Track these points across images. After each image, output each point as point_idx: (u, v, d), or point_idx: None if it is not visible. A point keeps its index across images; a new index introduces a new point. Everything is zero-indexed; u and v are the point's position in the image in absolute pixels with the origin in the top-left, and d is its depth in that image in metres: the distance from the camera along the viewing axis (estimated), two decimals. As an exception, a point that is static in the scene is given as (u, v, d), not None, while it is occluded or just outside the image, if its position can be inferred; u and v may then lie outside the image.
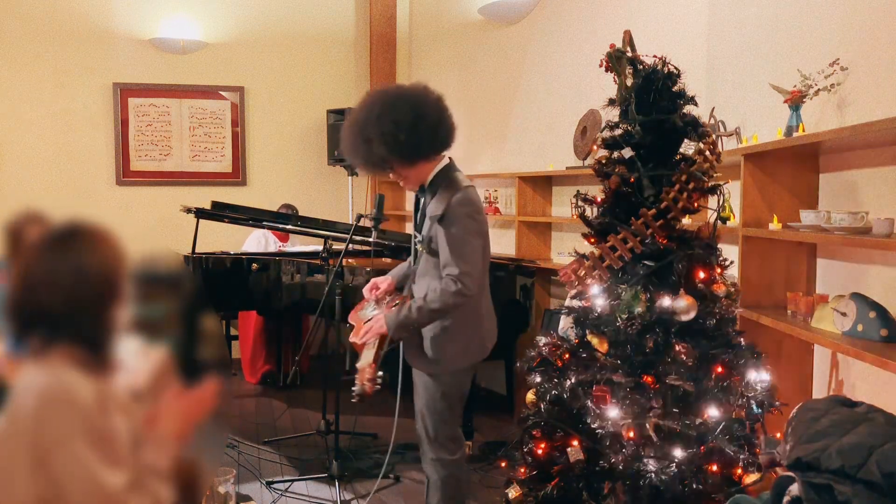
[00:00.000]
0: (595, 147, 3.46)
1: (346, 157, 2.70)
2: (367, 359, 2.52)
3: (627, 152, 2.23)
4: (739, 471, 2.04)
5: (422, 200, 2.70)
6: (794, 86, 2.61)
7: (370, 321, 2.63)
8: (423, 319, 2.54)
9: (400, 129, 2.48)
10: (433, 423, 2.66)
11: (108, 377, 1.38)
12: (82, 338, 1.36)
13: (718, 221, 2.30)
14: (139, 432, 1.42)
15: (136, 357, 1.46)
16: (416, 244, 2.69)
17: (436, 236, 2.54)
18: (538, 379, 2.29)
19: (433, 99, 2.58)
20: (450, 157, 2.67)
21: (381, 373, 2.48)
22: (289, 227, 4.66)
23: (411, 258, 2.78)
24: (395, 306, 2.66)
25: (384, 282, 2.87)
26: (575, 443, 2.14)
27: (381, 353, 2.56)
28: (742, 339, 2.20)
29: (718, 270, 2.23)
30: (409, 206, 6.46)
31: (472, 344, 2.67)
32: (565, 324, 2.40)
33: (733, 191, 2.92)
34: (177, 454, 1.45)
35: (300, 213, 5.14)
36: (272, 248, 5.46)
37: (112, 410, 1.35)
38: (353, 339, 2.69)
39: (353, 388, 2.50)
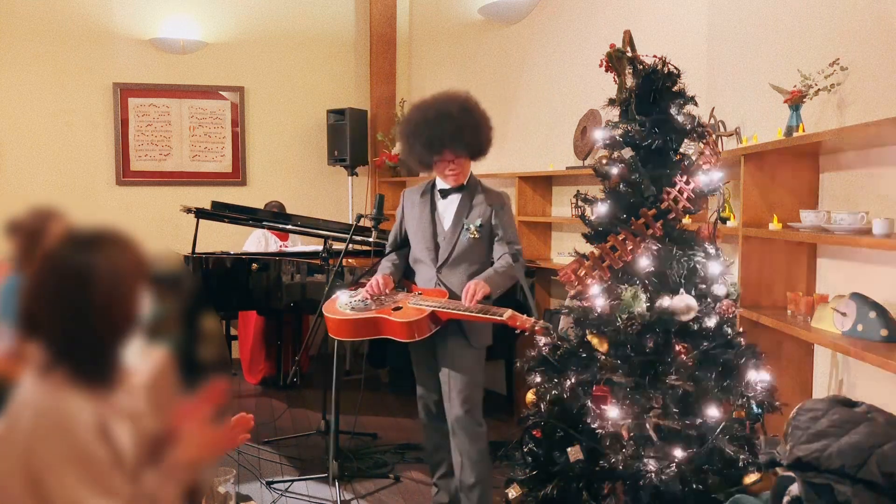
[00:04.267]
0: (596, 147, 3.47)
1: (452, 133, 2.84)
2: (507, 312, 2.65)
3: (627, 152, 2.23)
4: (739, 471, 2.04)
5: (439, 200, 3.01)
6: (794, 86, 2.61)
7: (471, 287, 2.76)
8: (508, 283, 2.93)
9: (489, 125, 2.94)
10: (474, 396, 2.90)
11: (112, 392, 1.36)
12: (91, 358, 1.32)
13: (718, 221, 2.30)
14: (146, 447, 1.39)
15: (137, 358, 1.46)
16: (464, 232, 2.94)
17: (488, 223, 2.92)
18: (538, 379, 2.29)
19: None
20: None
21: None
22: (289, 227, 4.66)
23: (423, 251, 3.00)
24: (416, 295, 2.95)
25: (387, 282, 3.03)
26: (575, 443, 2.14)
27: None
28: (742, 339, 2.20)
29: (718, 270, 2.23)
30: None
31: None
32: (565, 324, 2.40)
33: (733, 191, 2.92)
34: (185, 485, 1.42)
35: (299, 213, 5.14)
36: (272, 248, 5.46)
37: (111, 433, 1.32)
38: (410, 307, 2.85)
39: (532, 327, 2.55)
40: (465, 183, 2.98)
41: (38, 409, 1.28)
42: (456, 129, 2.84)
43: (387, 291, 3.00)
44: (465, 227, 2.94)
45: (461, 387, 2.88)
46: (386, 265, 3.12)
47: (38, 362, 1.32)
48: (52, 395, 1.29)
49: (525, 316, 2.63)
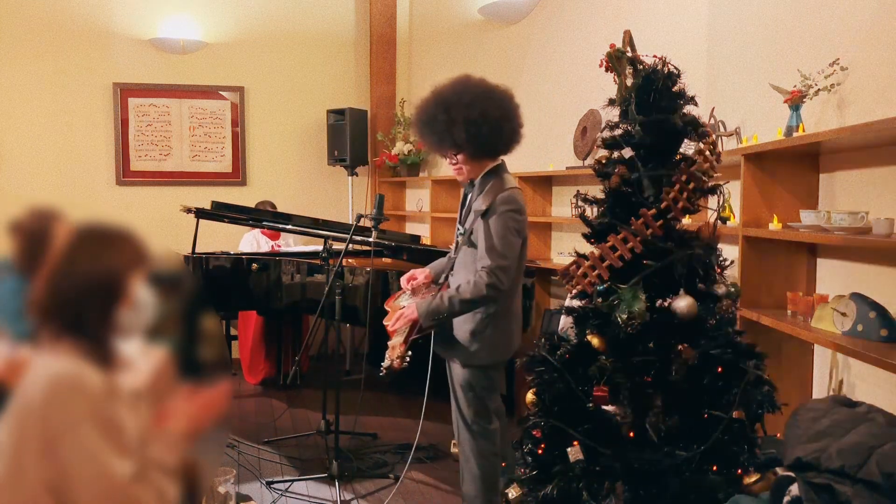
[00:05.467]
0: (596, 147, 3.46)
1: (419, 127, 2.78)
2: (397, 339, 2.63)
3: (627, 152, 2.23)
4: (739, 471, 2.04)
5: (468, 196, 2.84)
6: (794, 86, 2.61)
7: (403, 308, 2.72)
8: (454, 309, 2.63)
9: (485, 123, 2.62)
10: (468, 411, 2.80)
11: (114, 372, 1.38)
12: (92, 333, 1.36)
13: (718, 221, 2.30)
14: (146, 429, 1.42)
15: (137, 357, 1.46)
16: (458, 236, 2.80)
17: (477, 230, 2.65)
18: (538, 379, 2.29)
19: (515, 105, 2.74)
20: (502, 159, 2.82)
21: (409, 353, 2.57)
22: (288, 227, 4.66)
23: (452, 250, 2.90)
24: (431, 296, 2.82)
25: (421, 273, 2.96)
26: (575, 443, 2.14)
27: (411, 337, 2.65)
28: (742, 339, 2.19)
29: (718, 270, 2.23)
30: (410, 206, 6.47)
31: (500, 342, 2.80)
32: (565, 324, 2.40)
33: (733, 191, 2.92)
34: (184, 453, 1.45)
35: (299, 213, 5.14)
36: (265, 248, 5.46)
37: (118, 404, 1.35)
38: (385, 323, 2.82)
39: (381, 364, 2.62)
40: (474, 180, 2.80)
41: (52, 374, 1.30)
42: (427, 126, 2.68)
43: (409, 286, 2.92)
44: (460, 232, 2.80)
45: (459, 403, 2.83)
46: (442, 259, 3.00)
47: (44, 343, 1.34)
48: (63, 361, 1.32)
49: (400, 350, 2.55)
